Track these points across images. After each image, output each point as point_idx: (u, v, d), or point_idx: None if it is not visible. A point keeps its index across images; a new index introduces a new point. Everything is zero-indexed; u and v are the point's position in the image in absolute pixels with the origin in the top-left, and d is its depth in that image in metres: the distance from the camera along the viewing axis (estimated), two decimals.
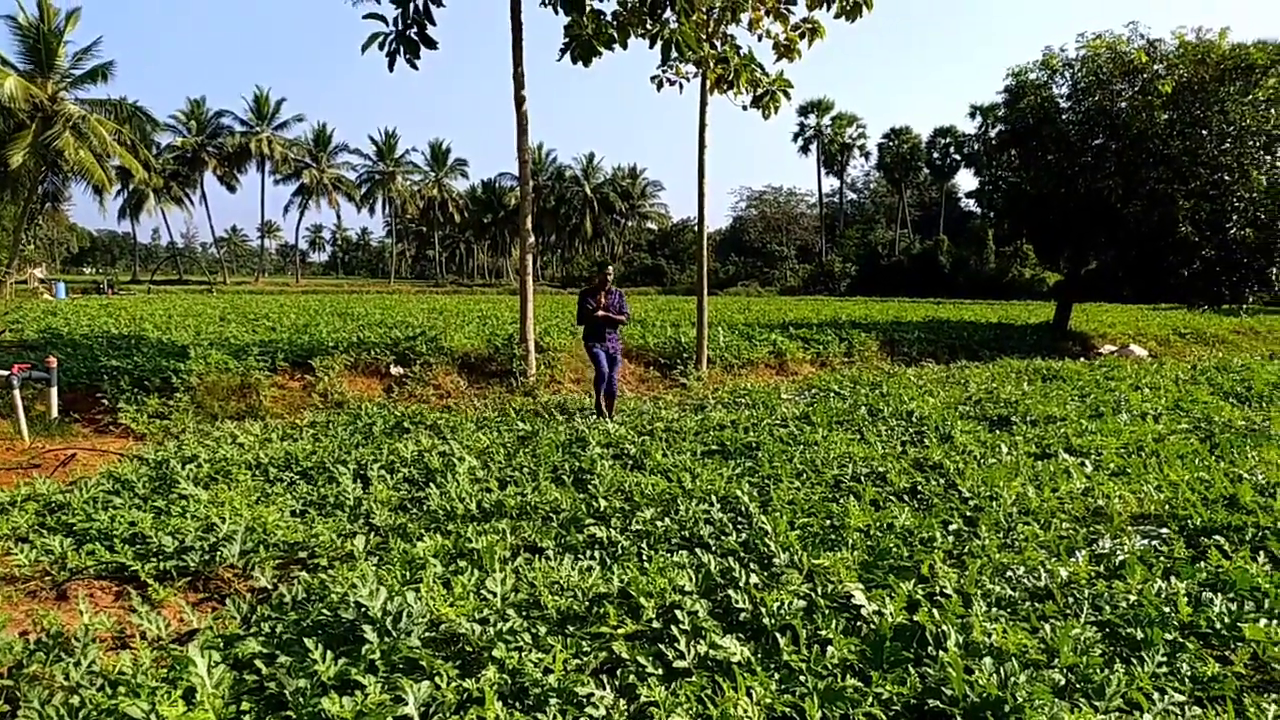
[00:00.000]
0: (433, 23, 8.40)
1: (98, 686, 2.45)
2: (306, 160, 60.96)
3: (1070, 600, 3.00)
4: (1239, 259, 15.71)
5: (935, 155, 60.51)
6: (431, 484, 4.92)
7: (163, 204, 53.94)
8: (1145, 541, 3.69)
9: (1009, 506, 4.16)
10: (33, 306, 20.47)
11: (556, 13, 8.40)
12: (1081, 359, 13.80)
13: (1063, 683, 2.41)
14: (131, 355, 9.65)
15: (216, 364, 9.04)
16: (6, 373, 6.97)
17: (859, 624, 2.83)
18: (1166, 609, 2.83)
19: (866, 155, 63.11)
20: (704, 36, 9.41)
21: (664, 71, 10.03)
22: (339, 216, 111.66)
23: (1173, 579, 3.13)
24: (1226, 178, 15.35)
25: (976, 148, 23.70)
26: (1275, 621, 2.74)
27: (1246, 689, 2.48)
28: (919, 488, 4.66)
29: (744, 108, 10.21)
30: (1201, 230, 15.47)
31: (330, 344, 10.70)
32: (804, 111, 60.24)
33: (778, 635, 2.69)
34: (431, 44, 8.47)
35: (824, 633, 2.69)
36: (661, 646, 2.63)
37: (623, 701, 2.38)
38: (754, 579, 3.15)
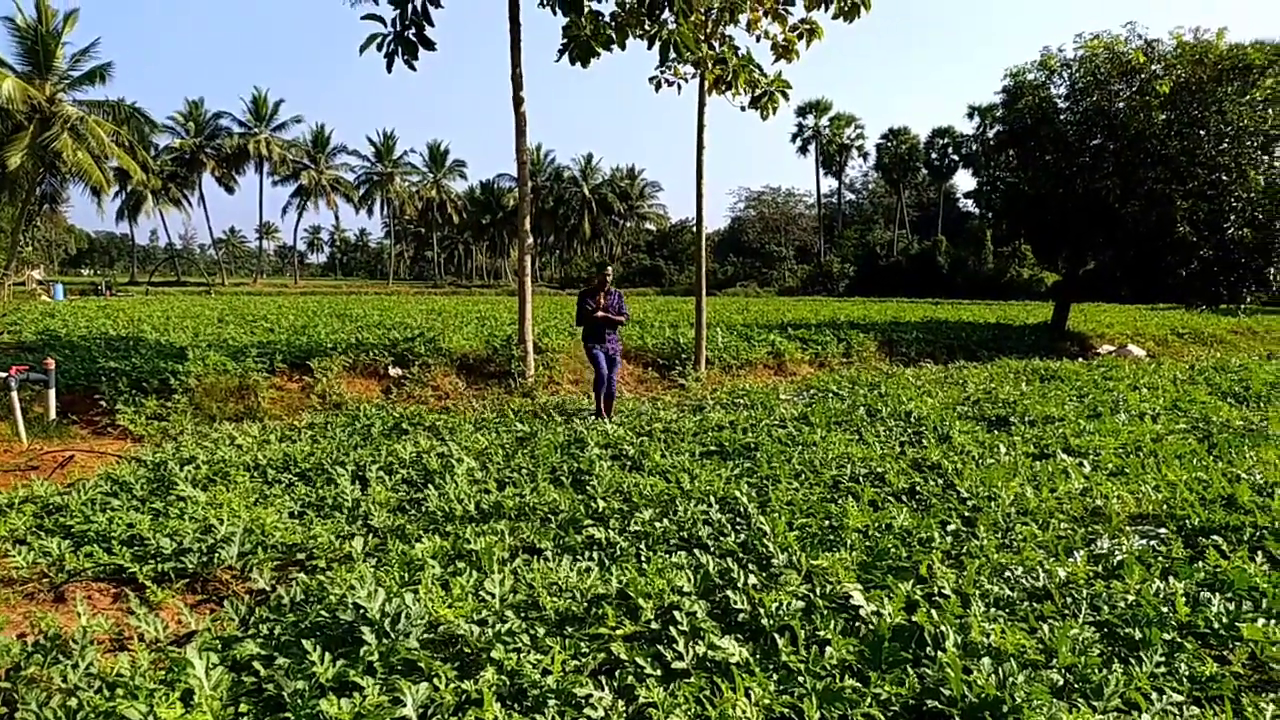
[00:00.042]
0: (431, 24, 8.41)
1: (96, 689, 2.44)
2: (305, 161, 60.96)
3: (1068, 600, 3.01)
4: (1237, 259, 15.74)
5: (933, 156, 60.57)
6: (430, 485, 4.91)
7: (161, 205, 53.95)
8: (1143, 541, 3.70)
9: (1007, 507, 4.16)
10: (31, 308, 20.45)
11: (555, 13, 8.41)
12: (1080, 359, 13.82)
13: (1061, 683, 2.42)
14: (129, 357, 9.64)
15: (214, 365, 9.03)
16: (4, 374, 6.96)
17: (857, 624, 2.83)
18: (1164, 609, 2.84)
19: (865, 156, 63.23)
20: (702, 37, 9.41)
21: (662, 72, 10.04)
22: (337, 218, 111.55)
23: (1171, 579, 3.13)
24: (1224, 178, 15.38)
25: (975, 148, 23.74)
26: (1273, 621, 2.75)
27: (1244, 689, 2.49)
28: (917, 488, 4.66)
29: (742, 108, 10.23)
30: (1199, 230, 15.50)
31: (328, 345, 10.69)
32: (802, 112, 60.35)
33: (776, 636, 2.69)
34: (430, 45, 8.48)
35: (822, 633, 2.69)
36: (660, 647, 2.63)
37: (621, 702, 2.38)
38: (752, 580, 3.15)
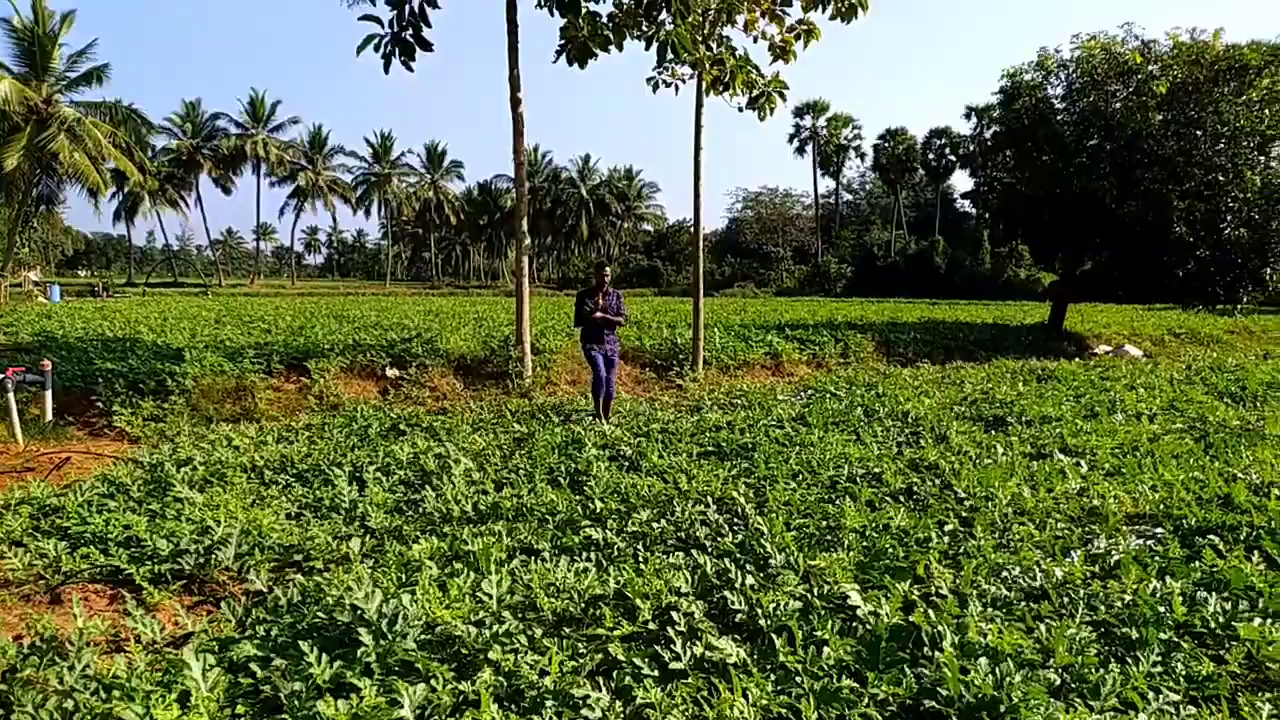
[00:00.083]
0: (428, 25, 8.41)
1: (92, 690, 2.44)
2: (302, 162, 60.92)
3: (1065, 600, 3.01)
4: (1233, 259, 15.78)
5: (930, 156, 60.63)
6: (427, 486, 4.91)
7: (158, 206, 53.95)
8: (1140, 541, 3.71)
9: (1004, 507, 4.17)
10: (27, 309, 20.40)
11: (552, 15, 8.43)
12: (1076, 359, 13.85)
13: (1058, 683, 2.42)
14: (126, 358, 9.61)
15: (211, 366, 9.02)
16: (1, 376, 6.95)
17: (855, 625, 2.83)
18: (1161, 609, 2.84)
19: (862, 156, 63.27)
20: (699, 38, 9.43)
21: (660, 73, 10.05)
22: (334, 219, 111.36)
23: (1168, 579, 3.14)
24: (1221, 178, 15.42)
25: (972, 149, 23.72)
26: (1270, 621, 2.75)
27: (1241, 688, 2.49)
28: (914, 488, 4.66)
29: (740, 109, 10.25)
30: (1196, 230, 15.54)
31: (326, 346, 10.67)
32: (799, 113, 60.38)
33: (774, 636, 2.69)
34: (427, 46, 8.47)
35: (820, 633, 2.69)
36: (657, 648, 2.63)
37: (619, 703, 2.38)
38: (750, 580, 3.15)
